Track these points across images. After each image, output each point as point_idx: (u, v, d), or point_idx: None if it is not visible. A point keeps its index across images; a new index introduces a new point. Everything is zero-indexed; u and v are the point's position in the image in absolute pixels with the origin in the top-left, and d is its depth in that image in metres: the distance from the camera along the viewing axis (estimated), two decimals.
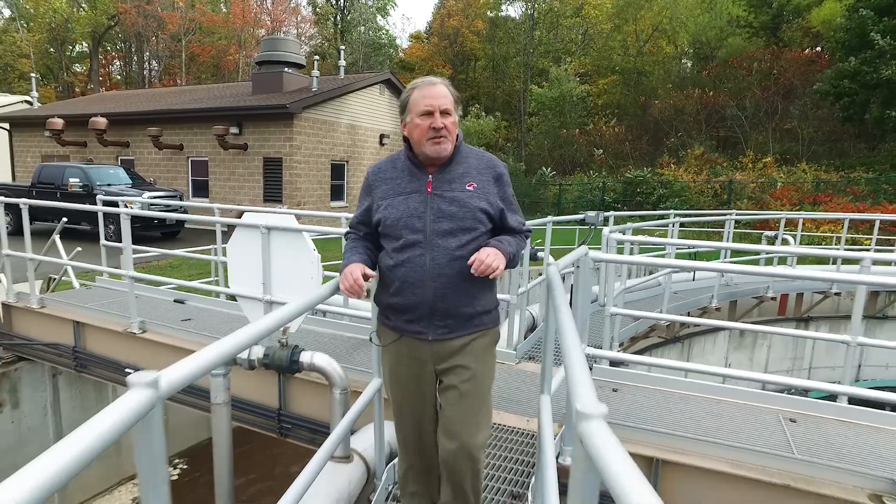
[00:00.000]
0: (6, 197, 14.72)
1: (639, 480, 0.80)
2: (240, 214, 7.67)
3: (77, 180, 13.50)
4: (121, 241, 5.05)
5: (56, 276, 6.72)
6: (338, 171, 18.53)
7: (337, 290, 2.04)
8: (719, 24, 32.75)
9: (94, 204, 7.06)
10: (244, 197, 17.09)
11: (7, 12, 47.30)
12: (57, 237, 6.41)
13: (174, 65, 46.43)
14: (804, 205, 20.49)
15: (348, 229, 2.21)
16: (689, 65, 36.90)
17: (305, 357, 2.86)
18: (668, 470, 3.02)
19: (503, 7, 42.58)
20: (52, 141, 19.51)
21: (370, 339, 2.16)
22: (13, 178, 21.56)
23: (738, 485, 2.90)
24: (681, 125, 31.36)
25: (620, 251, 4.76)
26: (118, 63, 52.72)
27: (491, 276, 1.91)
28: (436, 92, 1.96)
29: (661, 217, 12.26)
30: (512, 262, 2.01)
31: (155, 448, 0.98)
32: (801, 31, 31.64)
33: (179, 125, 17.89)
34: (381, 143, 20.33)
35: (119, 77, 51.70)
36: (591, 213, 6.72)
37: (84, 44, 48.20)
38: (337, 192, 18.59)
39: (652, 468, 3.02)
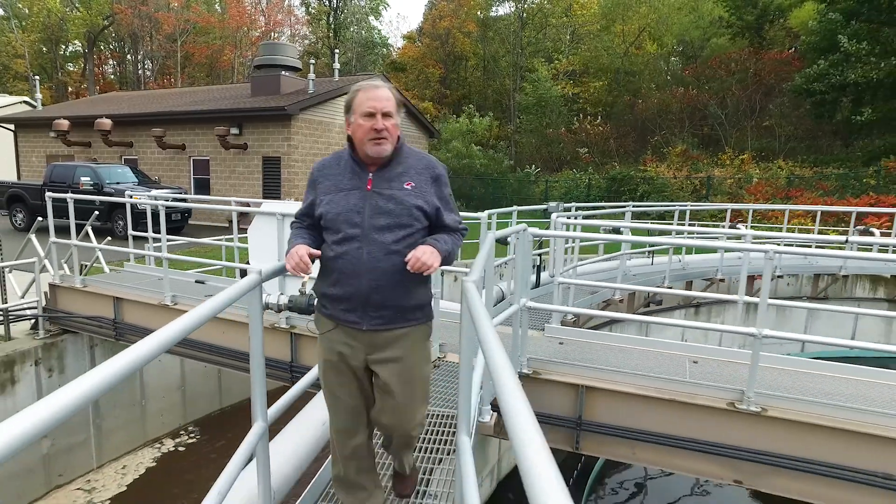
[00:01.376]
0: (20, 195, 15.37)
1: (483, 310, 1.66)
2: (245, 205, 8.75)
3: (88, 179, 14.36)
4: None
5: (88, 263, 7.63)
6: None
7: (285, 270, 2.16)
8: (703, 24, 33.77)
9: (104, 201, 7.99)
10: (244, 194, 17.99)
11: (0, 11, 47.83)
12: (89, 228, 7.32)
13: (169, 65, 47.01)
14: (776, 199, 21.56)
15: (294, 219, 2.30)
16: (677, 63, 37.93)
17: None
18: (590, 394, 4.00)
19: (494, 7, 43.48)
20: (57, 141, 20.33)
21: (307, 327, 2.36)
22: (18, 178, 22.35)
23: (639, 401, 3.89)
24: (664, 123, 32.41)
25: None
26: (112, 62, 53.27)
27: (425, 273, 2.04)
28: (379, 94, 2.07)
29: (618, 208, 13.20)
30: (447, 260, 2.15)
31: (257, 305, 1.97)
32: (784, 30, 32.66)
33: (182, 126, 18.77)
34: None
35: (113, 77, 52.25)
36: (553, 204, 7.75)
37: (77, 43, 48.67)
38: None
39: (578, 393, 4.01)
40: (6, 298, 6.34)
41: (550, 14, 41.03)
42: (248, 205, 10.47)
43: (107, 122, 18.58)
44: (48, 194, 6.18)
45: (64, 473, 6.55)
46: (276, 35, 46.75)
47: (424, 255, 2.00)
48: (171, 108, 19.64)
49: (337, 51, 23.82)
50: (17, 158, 22.55)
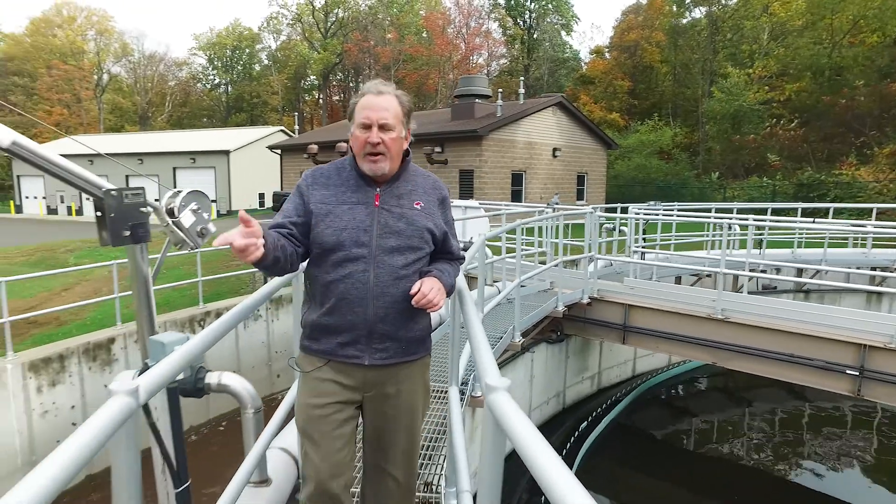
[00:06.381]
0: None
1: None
2: None
3: None
4: None
5: None
6: (517, 179, 22.94)
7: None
8: None
9: None
10: None
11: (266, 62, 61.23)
12: None
13: None
14: None
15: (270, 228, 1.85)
16: None
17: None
18: (632, 310, 6.70)
19: (687, 13, 43.45)
20: (308, 161, 26.78)
21: (289, 364, 1.99)
22: (281, 189, 29.62)
23: (660, 314, 6.49)
24: (875, 122, 30.06)
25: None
26: (340, 92, 63.61)
27: (428, 310, 1.87)
28: (377, 103, 1.86)
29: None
30: (449, 295, 1.97)
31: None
32: None
33: None
34: (554, 156, 24.27)
35: (340, 104, 62.47)
36: (651, 203, 10.05)
37: (313, 77, 59.64)
38: (516, 196, 22.96)
39: (624, 309, 6.73)
40: None
41: (746, 16, 39.78)
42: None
43: (343, 146, 24.25)
44: None
45: None
46: (475, 58, 52.11)
47: (432, 291, 1.81)
48: None
49: (522, 78, 27.36)
50: (281, 175, 29.92)
